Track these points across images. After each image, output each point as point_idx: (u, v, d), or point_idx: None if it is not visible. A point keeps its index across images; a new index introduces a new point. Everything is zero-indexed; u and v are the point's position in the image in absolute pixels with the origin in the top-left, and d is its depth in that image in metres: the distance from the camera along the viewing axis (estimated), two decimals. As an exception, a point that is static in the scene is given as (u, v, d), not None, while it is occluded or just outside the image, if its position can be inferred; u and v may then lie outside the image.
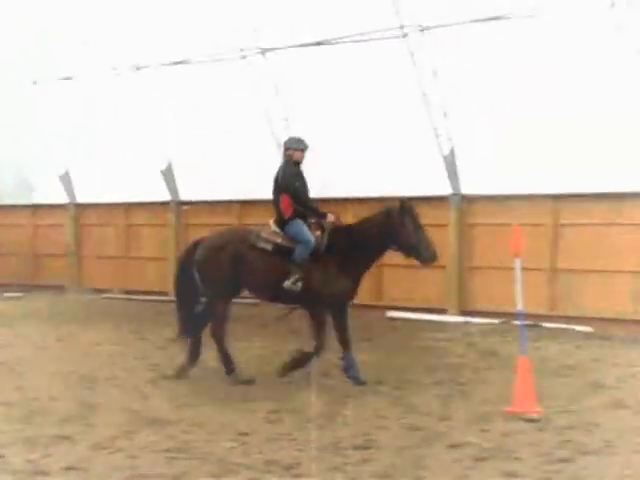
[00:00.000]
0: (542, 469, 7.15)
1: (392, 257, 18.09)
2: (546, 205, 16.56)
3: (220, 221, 19.72)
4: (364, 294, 18.77)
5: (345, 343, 10.96)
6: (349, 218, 16.27)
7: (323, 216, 10.98)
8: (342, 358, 10.94)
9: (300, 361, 10.77)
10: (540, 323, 15.48)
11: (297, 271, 10.71)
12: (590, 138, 15.30)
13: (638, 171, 15.01)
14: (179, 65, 20.66)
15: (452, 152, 17.40)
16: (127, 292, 22.63)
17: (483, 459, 7.44)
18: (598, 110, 15.23)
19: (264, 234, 11.03)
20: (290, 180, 10.95)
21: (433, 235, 11.11)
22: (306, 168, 11.22)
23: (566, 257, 16.41)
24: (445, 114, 17.31)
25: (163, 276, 20.91)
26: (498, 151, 16.60)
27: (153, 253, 22.70)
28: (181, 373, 11.15)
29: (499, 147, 16.57)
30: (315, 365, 12.05)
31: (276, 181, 11.10)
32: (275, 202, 11.08)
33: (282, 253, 10.84)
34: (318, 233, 10.88)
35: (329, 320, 10.97)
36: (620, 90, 15.07)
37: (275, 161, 17.97)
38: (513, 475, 6.98)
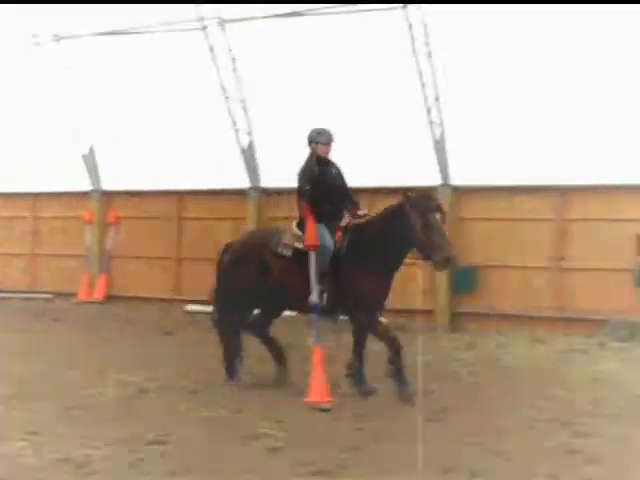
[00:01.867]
0: (335, 456, 7.31)
1: (191, 250, 18.28)
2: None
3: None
4: (163, 288, 18.77)
5: (359, 355, 10.05)
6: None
7: (338, 220, 9.94)
8: (350, 374, 10.06)
9: (397, 370, 9.57)
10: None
11: (318, 283, 9.66)
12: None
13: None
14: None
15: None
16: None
17: (278, 449, 7.55)
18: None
19: (285, 238, 10.08)
20: (301, 182, 9.95)
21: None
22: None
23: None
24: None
25: None
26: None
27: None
28: (280, 378, 10.53)
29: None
30: (109, 361, 11.89)
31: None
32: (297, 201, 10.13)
33: (304, 260, 9.74)
34: (339, 235, 9.85)
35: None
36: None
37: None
38: (307, 463, 7.10)
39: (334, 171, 10.03)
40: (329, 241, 9.75)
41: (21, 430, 8.13)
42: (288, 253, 9.94)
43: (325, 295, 9.69)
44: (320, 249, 9.63)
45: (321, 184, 9.86)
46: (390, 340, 9.60)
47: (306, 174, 9.93)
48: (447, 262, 9.39)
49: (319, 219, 9.72)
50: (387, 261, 9.70)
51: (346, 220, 9.93)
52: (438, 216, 9.42)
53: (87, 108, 19.33)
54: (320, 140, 10.01)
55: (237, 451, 7.53)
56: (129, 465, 7.10)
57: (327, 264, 9.68)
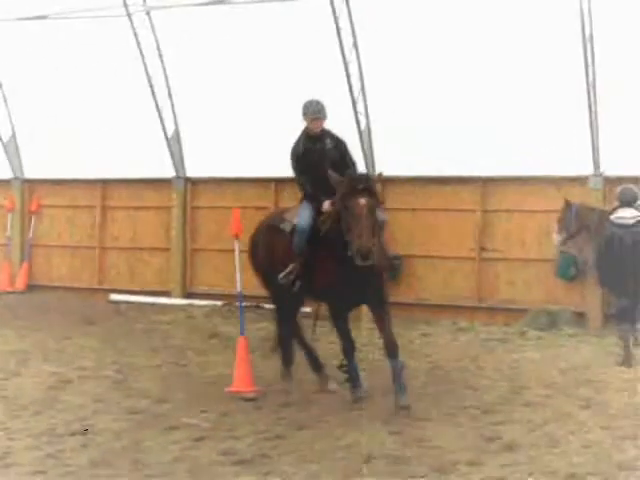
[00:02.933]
0: (259, 445, 7.36)
1: (115, 239, 18.09)
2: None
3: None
4: (86, 277, 18.55)
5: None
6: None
7: (319, 202, 9.10)
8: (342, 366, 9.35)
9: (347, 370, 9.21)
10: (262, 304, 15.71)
11: (292, 263, 9.15)
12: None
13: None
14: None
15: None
16: None
17: (201, 439, 7.56)
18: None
19: (287, 214, 9.65)
20: (292, 159, 9.38)
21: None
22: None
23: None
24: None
25: None
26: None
27: None
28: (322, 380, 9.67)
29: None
30: (30, 351, 11.73)
31: None
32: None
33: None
34: (322, 217, 9.02)
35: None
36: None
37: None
38: (231, 453, 7.13)
39: (329, 145, 9.30)
40: (304, 222, 9.11)
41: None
42: (287, 229, 9.37)
43: (292, 277, 9.13)
44: (298, 228, 9.12)
45: (307, 161, 9.20)
46: (342, 339, 9.19)
47: (292, 152, 9.36)
48: (359, 255, 8.12)
49: (306, 198, 9.28)
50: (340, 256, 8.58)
51: (325, 205, 8.95)
52: (363, 201, 8.32)
53: (9, 94, 18.96)
54: (307, 114, 9.30)
55: (161, 441, 7.51)
56: (49, 456, 7.04)
57: (302, 246, 9.08)
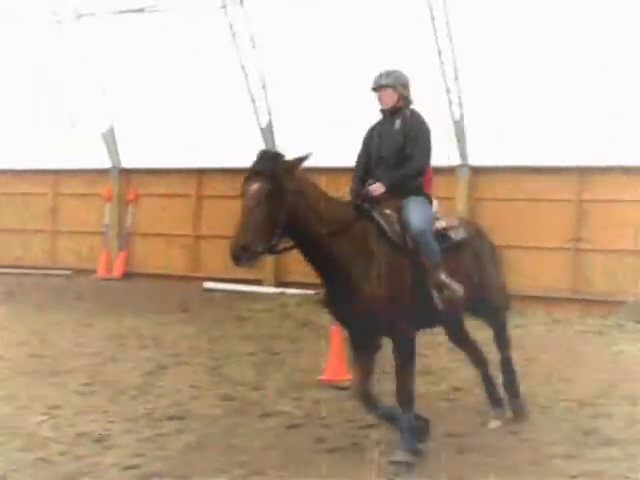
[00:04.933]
0: (350, 434, 7.38)
1: (210, 228, 18.33)
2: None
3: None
4: (181, 265, 18.87)
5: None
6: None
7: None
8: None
9: None
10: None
11: None
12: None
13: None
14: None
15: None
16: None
17: (294, 426, 7.61)
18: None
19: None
20: None
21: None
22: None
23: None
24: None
25: None
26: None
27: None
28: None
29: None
30: (127, 338, 11.98)
31: None
32: None
33: None
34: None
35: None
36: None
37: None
38: (322, 441, 7.17)
39: (397, 126, 7.31)
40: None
41: (42, 404, 8.23)
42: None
43: None
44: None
45: (368, 144, 7.47)
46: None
47: (367, 131, 7.61)
48: (231, 257, 6.23)
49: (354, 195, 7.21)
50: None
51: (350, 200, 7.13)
52: (254, 187, 6.32)
53: (106, 86, 19.37)
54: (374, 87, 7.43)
55: (254, 428, 7.59)
56: (147, 440, 7.18)
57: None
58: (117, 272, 19.41)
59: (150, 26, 18.10)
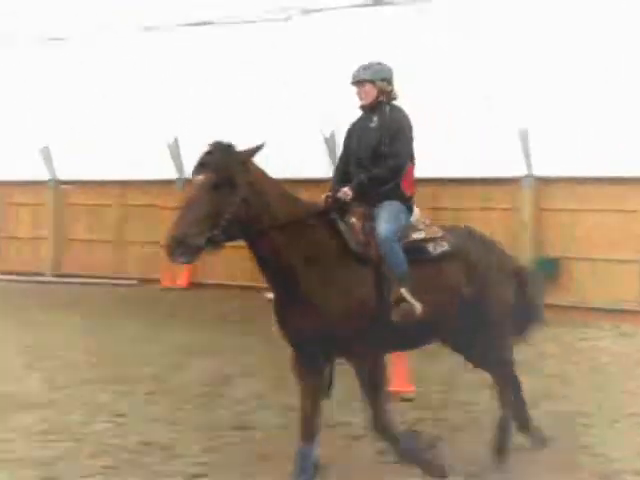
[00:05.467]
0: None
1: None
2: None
3: None
4: (245, 275, 18.94)
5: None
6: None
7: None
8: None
9: None
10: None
11: None
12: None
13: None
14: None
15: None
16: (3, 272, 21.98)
17: (357, 438, 7.58)
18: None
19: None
20: None
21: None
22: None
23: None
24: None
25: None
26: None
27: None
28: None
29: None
30: (196, 347, 12.07)
31: None
32: None
33: None
34: None
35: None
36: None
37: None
38: (387, 452, 7.11)
39: (374, 123, 6.74)
40: None
41: (107, 412, 8.34)
42: None
43: None
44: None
45: (347, 143, 6.96)
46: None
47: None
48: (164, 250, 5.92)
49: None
50: None
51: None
52: (198, 178, 6.00)
53: (171, 97, 19.62)
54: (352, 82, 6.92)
55: (320, 438, 7.56)
56: (212, 449, 7.22)
57: None
58: (182, 282, 19.59)
59: (217, 38, 18.29)
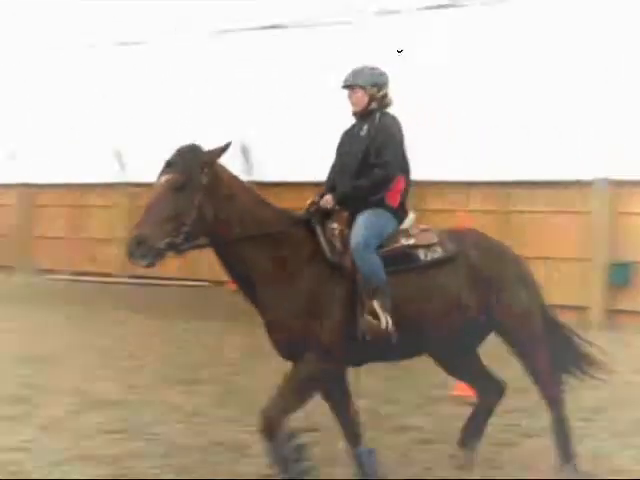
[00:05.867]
0: (485, 451, 7.28)
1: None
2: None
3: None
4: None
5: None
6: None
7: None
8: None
9: None
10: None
11: None
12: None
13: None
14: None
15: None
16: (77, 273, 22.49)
17: (426, 442, 7.57)
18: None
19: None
20: None
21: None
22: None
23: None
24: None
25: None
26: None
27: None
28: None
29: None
30: (266, 348, 12.14)
31: None
32: None
33: None
34: None
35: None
36: None
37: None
38: (455, 458, 7.10)
39: (364, 131, 6.46)
40: None
41: (180, 412, 8.46)
42: None
43: None
44: None
45: (339, 151, 6.67)
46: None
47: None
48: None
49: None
50: None
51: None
52: (162, 179, 5.89)
53: (242, 99, 19.79)
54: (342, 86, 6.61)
55: (387, 441, 7.58)
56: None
57: None
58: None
59: (284, 42, 18.40)
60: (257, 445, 7.30)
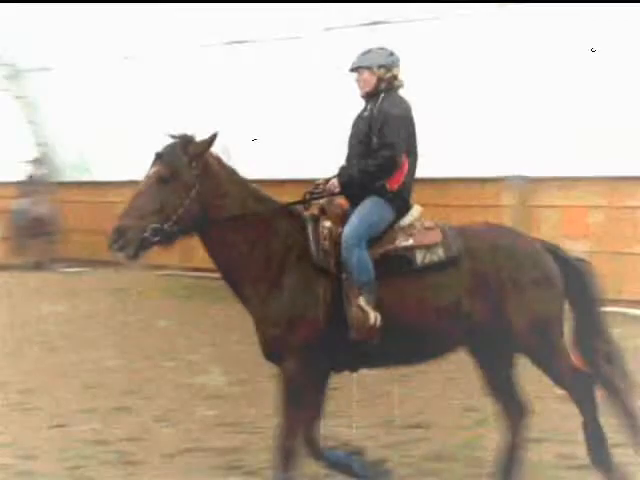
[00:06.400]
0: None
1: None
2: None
3: None
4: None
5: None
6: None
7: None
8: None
9: None
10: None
11: None
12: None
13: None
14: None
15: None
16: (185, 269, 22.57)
17: (538, 441, 7.41)
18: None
19: None
20: None
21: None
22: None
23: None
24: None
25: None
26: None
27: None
28: None
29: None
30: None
31: None
32: None
33: None
34: None
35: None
36: None
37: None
38: (569, 457, 6.97)
39: (367, 112, 6.14)
40: None
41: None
42: None
43: None
44: None
45: (351, 133, 6.32)
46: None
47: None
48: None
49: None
50: None
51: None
52: (150, 171, 5.85)
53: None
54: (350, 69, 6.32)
55: (496, 440, 7.45)
56: (387, 446, 7.27)
57: None
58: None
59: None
60: (362, 441, 7.33)
